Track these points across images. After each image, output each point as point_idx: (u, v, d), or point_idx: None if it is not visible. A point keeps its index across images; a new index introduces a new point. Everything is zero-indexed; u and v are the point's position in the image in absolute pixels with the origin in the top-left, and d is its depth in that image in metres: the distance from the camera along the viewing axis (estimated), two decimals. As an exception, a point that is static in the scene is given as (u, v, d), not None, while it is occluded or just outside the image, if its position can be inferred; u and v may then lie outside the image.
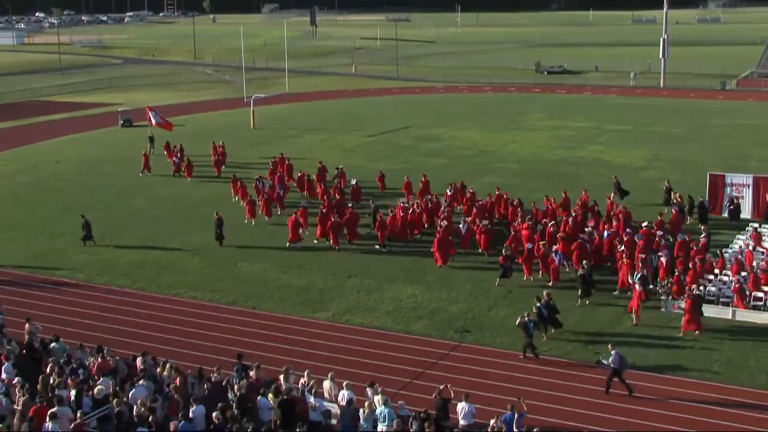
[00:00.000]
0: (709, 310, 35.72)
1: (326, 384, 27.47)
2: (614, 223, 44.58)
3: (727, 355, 32.52)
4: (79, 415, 23.91)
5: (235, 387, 26.94)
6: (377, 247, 46.17)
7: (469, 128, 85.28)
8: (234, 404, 25.72)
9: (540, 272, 40.56)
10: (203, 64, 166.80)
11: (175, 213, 55.47)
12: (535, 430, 23.71)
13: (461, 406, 26.09)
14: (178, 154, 67.37)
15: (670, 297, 36.76)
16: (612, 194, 52.38)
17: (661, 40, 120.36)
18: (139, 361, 29.07)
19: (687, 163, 65.52)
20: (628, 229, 43.08)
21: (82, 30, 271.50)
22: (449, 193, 52.12)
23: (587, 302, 37.53)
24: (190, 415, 24.68)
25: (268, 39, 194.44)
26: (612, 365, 29.38)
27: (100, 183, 64.45)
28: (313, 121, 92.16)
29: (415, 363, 32.33)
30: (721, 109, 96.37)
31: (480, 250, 44.31)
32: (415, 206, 49.35)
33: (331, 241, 46.78)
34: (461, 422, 25.88)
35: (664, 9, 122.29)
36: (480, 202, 49.46)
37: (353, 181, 56.27)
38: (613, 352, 29.41)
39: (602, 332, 34.70)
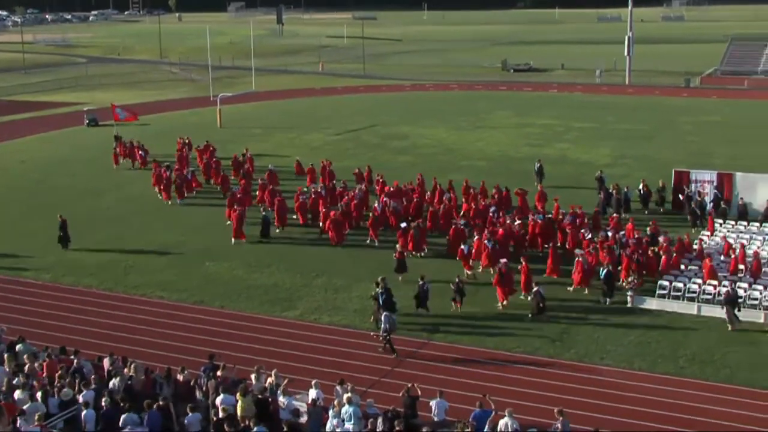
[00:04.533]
0: (674, 306, 36.33)
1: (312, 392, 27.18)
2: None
3: (693, 350, 32.93)
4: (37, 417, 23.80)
5: (204, 386, 26.90)
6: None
7: (435, 126, 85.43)
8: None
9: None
10: (169, 63, 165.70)
11: (142, 212, 55.19)
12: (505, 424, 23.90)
13: (435, 402, 26.24)
14: (142, 152, 68.30)
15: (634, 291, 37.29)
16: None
17: (626, 37, 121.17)
18: (106, 362, 28.91)
19: (652, 160, 66.05)
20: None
21: (46, 28, 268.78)
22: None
23: (608, 301, 37.73)
24: (186, 422, 24.62)
25: (234, 37, 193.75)
26: (383, 326, 32.67)
27: (66, 183, 63.94)
28: (281, 120, 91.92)
29: (383, 361, 32.41)
30: (685, 106, 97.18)
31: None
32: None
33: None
34: (435, 418, 26.03)
35: (629, 7, 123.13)
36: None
37: (270, 166, 59.90)
38: (384, 314, 32.73)
39: (570, 329, 35.01)
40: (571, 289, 39.32)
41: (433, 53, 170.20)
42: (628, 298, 37.24)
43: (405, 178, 55.78)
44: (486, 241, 41.90)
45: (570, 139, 76.89)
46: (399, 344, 33.60)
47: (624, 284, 38.25)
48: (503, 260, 39.04)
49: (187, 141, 69.97)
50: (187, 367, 28.73)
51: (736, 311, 35.00)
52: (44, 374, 27.83)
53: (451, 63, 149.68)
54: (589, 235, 42.95)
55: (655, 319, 35.89)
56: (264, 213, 48.82)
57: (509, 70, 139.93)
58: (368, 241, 47.22)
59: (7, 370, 27.82)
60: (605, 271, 37.97)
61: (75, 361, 28.73)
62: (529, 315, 36.18)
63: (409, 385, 26.84)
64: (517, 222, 45.06)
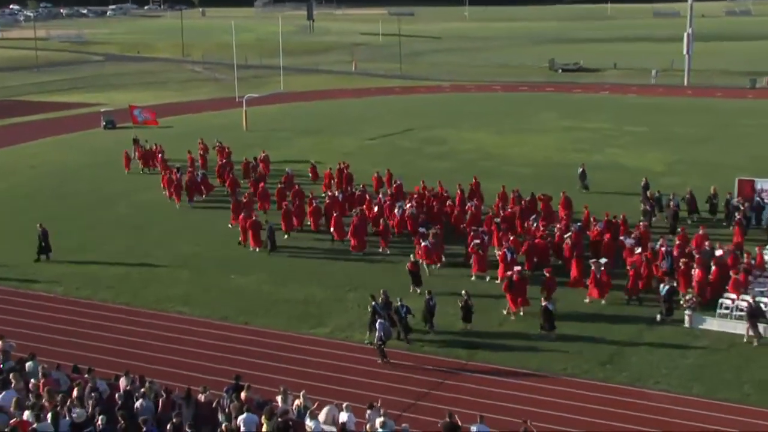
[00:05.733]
0: (738, 326, 35.98)
1: (325, 409, 27.35)
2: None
3: (760, 375, 32.58)
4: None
5: (226, 408, 26.94)
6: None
7: (476, 130, 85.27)
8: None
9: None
10: (192, 61, 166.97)
11: (159, 220, 55.61)
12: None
13: (475, 428, 26.13)
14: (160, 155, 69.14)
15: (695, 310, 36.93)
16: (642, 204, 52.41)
17: (685, 34, 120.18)
18: (122, 381, 29.03)
19: (711, 167, 65.42)
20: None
21: (60, 24, 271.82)
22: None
23: (666, 318, 37.48)
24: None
25: (261, 34, 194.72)
26: (378, 334, 33.49)
27: (79, 189, 64.56)
28: (310, 123, 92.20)
29: (419, 382, 32.34)
30: (749, 108, 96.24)
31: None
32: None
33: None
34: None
35: (689, 1, 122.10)
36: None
37: (288, 169, 61.15)
38: (378, 321, 33.49)
39: (622, 350, 34.75)
40: (588, 300, 39.66)
41: (474, 52, 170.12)
42: (686, 317, 36.89)
43: (451, 188, 55.73)
44: (506, 251, 42.28)
45: (622, 144, 76.45)
46: (436, 364, 33.55)
47: (681, 302, 37.89)
48: (516, 268, 39.66)
49: (215, 144, 71.57)
50: (209, 388, 28.80)
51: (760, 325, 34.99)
52: (43, 393, 27.78)
53: (494, 62, 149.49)
54: (638, 249, 42.58)
55: (716, 341, 35.48)
56: (269, 224, 48.97)
57: (557, 70, 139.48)
58: (380, 250, 47.65)
59: (14, 389, 27.93)
60: (667, 287, 37.62)
61: (89, 380, 28.85)
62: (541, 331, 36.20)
63: (451, 412, 26.71)
64: (567, 235, 44.79)
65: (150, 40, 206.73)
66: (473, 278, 42.88)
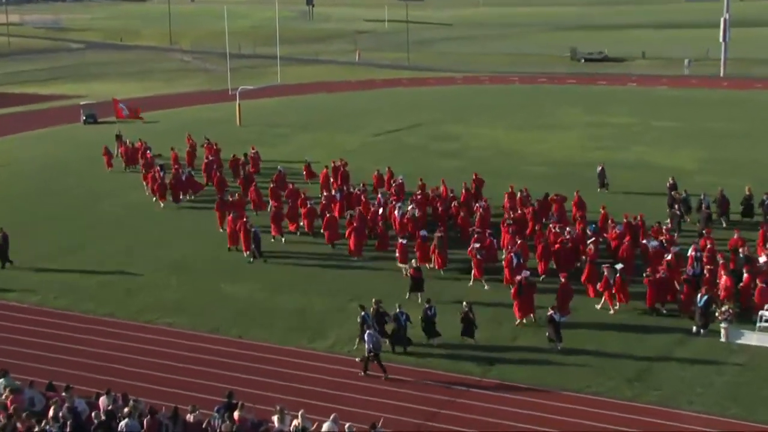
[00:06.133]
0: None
1: (326, 426, 27.42)
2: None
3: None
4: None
5: (218, 429, 26.93)
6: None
7: (490, 126, 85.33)
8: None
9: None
10: (180, 50, 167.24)
11: (147, 223, 55.67)
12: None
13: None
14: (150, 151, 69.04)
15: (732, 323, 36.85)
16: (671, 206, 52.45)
17: (722, 20, 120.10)
18: (103, 400, 28.96)
19: (748, 166, 65.42)
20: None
21: (35, 8, 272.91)
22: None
23: (702, 331, 37.42)
24: None
25: (256, 21, 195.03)
26: (368, 346, 33.60)
27: (57, 189, 64.65)
28: (310, 118, 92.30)
29: (427, 401, 32.27)
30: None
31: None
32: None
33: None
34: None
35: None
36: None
37: (279, 168, 61.33)
38: (368, 332, 33.67)
39: (651, 366, 34.68)
40: (599, 306, 40.03)
41: (488, 40, 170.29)
42: (722, 331, 36.79)
43: (457, 187, 55.75)
44: (513, 255, 42.59)
45: (650, 141, 76.41)
46: (447, 381, 33.52)
47: (717, 314, 37.75)
48: (525, 272, 39.82)
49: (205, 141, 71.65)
50: (199, 407, 28.77)
51: None
52: (12, 411, 27.66)
53: (510, 51, 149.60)
54: (669, 256, 42.54)
55: (755, 357, 35.36)
56: (253, 229, 48.96)
57: (579, 59, 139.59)
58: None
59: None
60: (705, 298, 37.49)
61: (66, 398, 28.81)
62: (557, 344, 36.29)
63: None
64: (591, 240, 44.76)
65: (134, 26, 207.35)
66: (471, 284, 43.38)
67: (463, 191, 54.33)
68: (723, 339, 36.56)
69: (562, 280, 39.56)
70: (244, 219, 49.59)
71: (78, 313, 41.41)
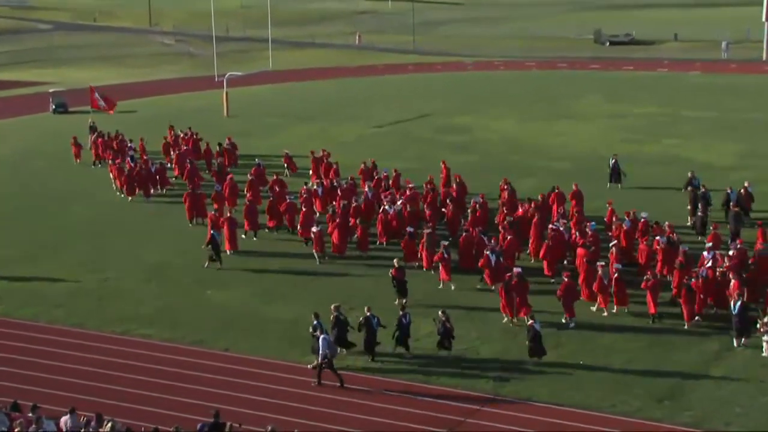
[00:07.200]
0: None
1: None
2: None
3: None
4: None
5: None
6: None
7: (505, 116, 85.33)
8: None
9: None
10: (161, 32, 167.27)
11: (120, 223, 55.72)
12: None
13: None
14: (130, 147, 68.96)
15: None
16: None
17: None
18: (64, 420, 28.86)
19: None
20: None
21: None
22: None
23: (742, 341, 37.38)
24: None
25: (246, 0, 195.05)
26: (322, 352, 34.22)
27: (22, 187, 64.71)
28: (305, 107, 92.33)
29: (437, 422, 32.26)
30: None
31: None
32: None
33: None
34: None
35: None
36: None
37: (257, 161, 62.53)
38: (321, 337, 34.43)
39: (683, 384, 34.60)
40: (594, 308, 40.48)
41: (502, 21, 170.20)
42: (764, 344, 36.72)
43: (471, 186, 55.80)
44: (489, 254, 43.04)
45: (682, 134, 76.31)
46: (457, 398, 33.49)
47: (758, 326, 37.58)
48: (516, 270, 40.37)
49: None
50: (182, 428, 28.72)
51: None
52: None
53: (526, 34, 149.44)
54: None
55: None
56: (212, 231, 48.89)
57: (603, 42, 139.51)
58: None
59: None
60: (739, 302, 37.36)
61: (33, 419, 28.75)
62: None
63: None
64: (613, 243, 44.82)
65: (109, 6, 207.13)
66: (440, 286, 44.14)
67: (453, 185, 55.46)
68: (765, 353, 36.48)
69: (565, 279, 39.72)
70: (227, 214, 50.72)
71: (45, 324, 41.38)
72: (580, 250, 43.03)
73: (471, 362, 36.50)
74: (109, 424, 28.19)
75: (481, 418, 32.51)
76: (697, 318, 38.88)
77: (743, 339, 37.15)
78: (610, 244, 44.23)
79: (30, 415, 29.22)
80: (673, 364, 35.91)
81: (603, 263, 41.39)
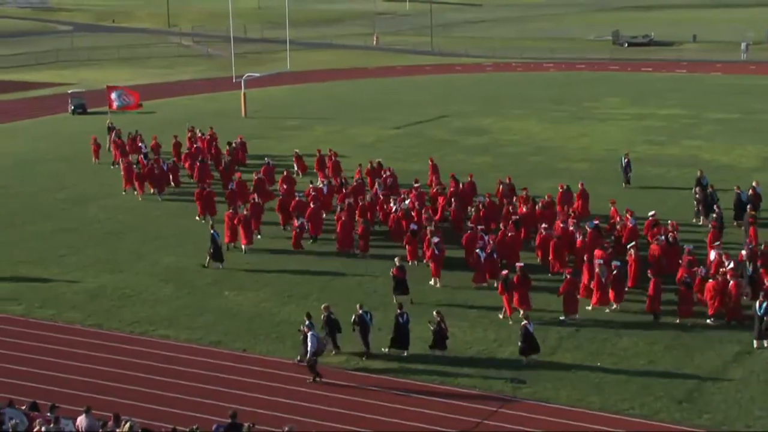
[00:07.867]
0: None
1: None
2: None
3: None
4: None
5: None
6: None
7: (524, 118, 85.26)
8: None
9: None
10: (180, 33, 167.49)
11: (140, 225, 55.78)
12: None
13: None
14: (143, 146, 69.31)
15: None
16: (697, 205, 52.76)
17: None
18: (80, 420, 28.92)
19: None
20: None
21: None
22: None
23: (764, 343, 37.22)
24: None
25: (263, 1, 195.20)
26: (311, 348, 34.64)
27: (40, 187, 64.79)
28: (322, 108, 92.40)
29: (454, 423, 32.21)
30: None
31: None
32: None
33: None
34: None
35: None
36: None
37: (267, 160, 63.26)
38: (309, 333, 34.52)
39: (703, 385, 34.49)
40: (590, 308, 40.60)
41: (520, 23, 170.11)
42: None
43: (484, 186, 55.70)
44: (478, 252, 43.54)
45: (704, 135, 76.13)
46: (473, 400, 33.43)
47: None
48: (518, 265, 40.68)
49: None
50: (201, 427, 28.71)
51: None
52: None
53: (545, 35, 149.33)
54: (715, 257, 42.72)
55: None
56: (213, 231, 48.83)
57: (622, 44, 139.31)
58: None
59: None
60: (766, 303, 37.19)
61: (52, 419, 28.80)
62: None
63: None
64: (631, 244, 44.72)
65: (128, 7, 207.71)
66: (431, 282, 44.59)
67: (452, 182, 55.44)
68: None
69: (567, 275, 39.85)
70: (244, 212, 51.20)
71: (63, 324, 41.45)
72: (597, 252, 42.80)
73: (489, 364, 36.45)
74: (127, 425, 28.21)
75: (498, 419, 32.42)
76: (709, 320, 38.89)
77: (765, 342, 37.02)
78: (628, 246, 44.12)
79: (48, 414, 29.28)
80: (692, 366, 35.79)
81: (600, 261, 41.25)
